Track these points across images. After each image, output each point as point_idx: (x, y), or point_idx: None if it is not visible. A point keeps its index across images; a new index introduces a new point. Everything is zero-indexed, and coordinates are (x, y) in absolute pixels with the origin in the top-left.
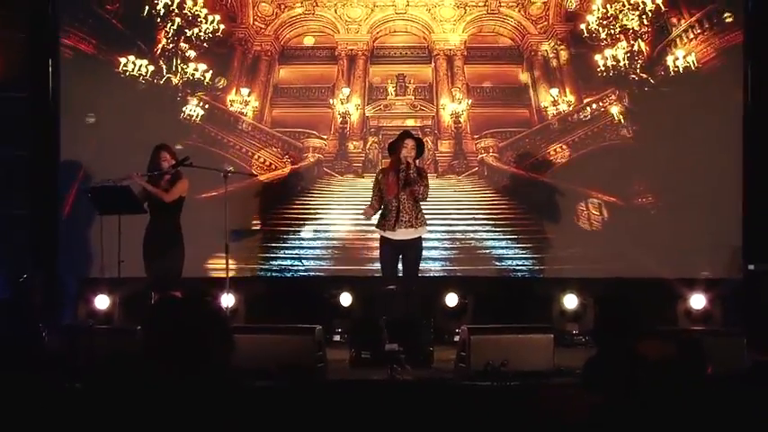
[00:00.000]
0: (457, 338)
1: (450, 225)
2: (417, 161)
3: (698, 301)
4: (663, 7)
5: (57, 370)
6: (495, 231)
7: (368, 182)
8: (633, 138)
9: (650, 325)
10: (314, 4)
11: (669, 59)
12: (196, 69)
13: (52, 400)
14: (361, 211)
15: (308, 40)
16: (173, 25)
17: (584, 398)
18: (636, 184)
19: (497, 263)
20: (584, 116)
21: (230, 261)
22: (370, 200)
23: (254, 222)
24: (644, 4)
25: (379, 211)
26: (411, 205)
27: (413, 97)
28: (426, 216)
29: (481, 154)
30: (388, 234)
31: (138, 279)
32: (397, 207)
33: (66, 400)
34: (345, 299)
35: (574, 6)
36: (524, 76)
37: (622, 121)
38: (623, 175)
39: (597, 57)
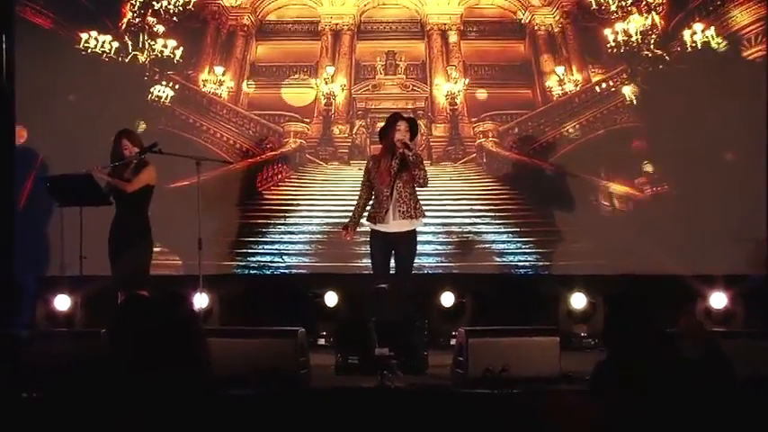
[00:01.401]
0: (453, 342)
1: (447, 217)
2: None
3: (718, 299)
4: None
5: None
6: (496, 224)
7: (354, 170)
8: (646, 120)
9: (666, 326)
10: None
11: (686, 34)
12: (165, 46)
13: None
14: (348, 215)
15: (289, 13)
16: None
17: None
18: (650, 171)
19: (498, 258)
20: (593, 97)
21: (203, 257)
22: (359, 192)
23: (230, 214)
24: None
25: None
26: (408, 194)
27: (404, 76)
28: None
29: (480, 139)
30: (380, 227)
31: (103, 277)
32: (391, 196)
33: (19, 412)
34: (331, 298)
35: None
36: (527, 53)
37: (634, 101)
38: (636, 161)
39: (607, 31)
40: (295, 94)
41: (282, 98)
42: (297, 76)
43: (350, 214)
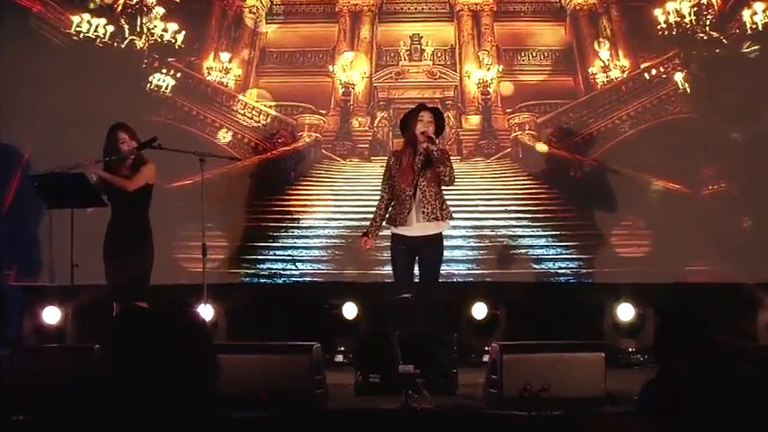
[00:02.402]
0: (486, 358)
1: (478, 219)
2: (438, 140)
3: None
4: None
5: None
6: (533, 226)
7: (376, 167)
8: (701, 111)
9: (723, 340)
10: None
11: (746, 14)
12: (165, 30)
13: None
14: (369, 216)
15: None
16: None
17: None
18: (705, 168)
19: (535, 265)
20: (642, 85)
21: (208, 264)
22: (380, 192)
23: (237, 217)
24: None
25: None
26: (434, 193)
27: (431, 63)
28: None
29: (515, 132)
30: (403, 230)
31: (96, 287)
32: (414, 196)
33: None
34: (349, 310)
35: None
36: (568, 36)
37: (688, 90)
38: (690, 157)
39: (657, 11)
40: (310, 83)
41: (296, 87)
42: (312, 62)
43: (370, 217)
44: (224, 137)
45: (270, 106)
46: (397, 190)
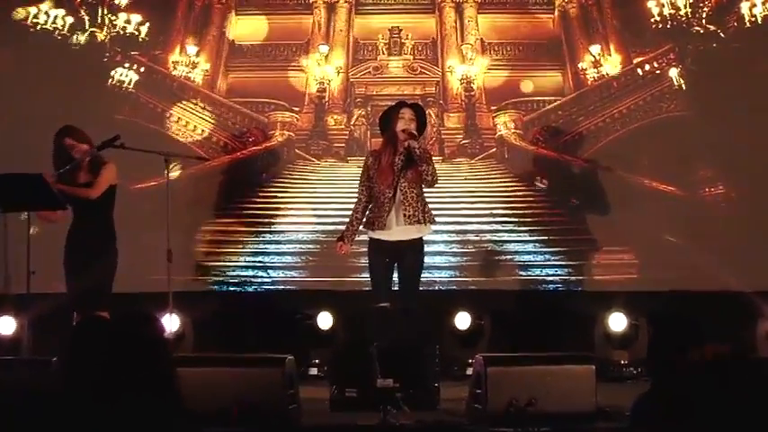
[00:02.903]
0: (470, 371)
1: (461, 223)
2: (419, 139)
3: None
4: None
5: None
6: (519, 231)
7: (353, 168)
8: (697, 108)
9: (720, 351)
10: None
11: (744, 6)
12: (128, 21)
13: None
14: (343, 229)
15: None
16: None
17: None
18: (701, 169)
19: (522, 272)
20: (634, 81)
21: (174, 271)
22: (357, 194)
23: (206, 220)
24: None
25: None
26: (415, 195)
27: (411, 57)
28: None
29: (500, 131)
30: (381, 234)
31: (54, 295)
32: (394, 198)
33: None
34: (325, 320)
35: None
36: (556, 29)
37: (683, 86)
38: (685, 157)
39: (651, 3)
40: (282, 79)
41: (267, 83)
42: (284, 56)
43: (346, 221)
44: (191, 135)
45: (240, 103)
46: (375, 192)
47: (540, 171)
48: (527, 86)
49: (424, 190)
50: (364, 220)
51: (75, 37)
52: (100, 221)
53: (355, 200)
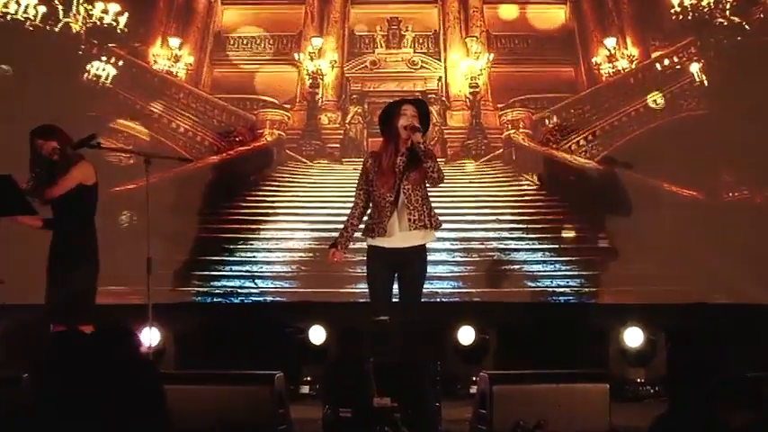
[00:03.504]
0: (474, 389)
1: (465, 230)
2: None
3: None
4: None
5: None
6: (528, 239)
7: (348, 170)
8: (720, 106)
9: (743, 369)
10: None
11: None
12: (105, 11)
13: None
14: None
15: None
16: None
17: None
18: (725, 172)
19: (530, 283)
20: (653, 76)
21: (154, 281)
22: (354, 198)
23: (188, 227)
24: None
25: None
26: (420, 198)
27: (411, 51)
28: None
29: (508, 130)
30: (381, 241)
31: (24, 307)
32: (396, 202)
33: None
34: (317, 334)
35: None
36: (569, 21)
37: (705, 82)
38: (707, 160)
39: None
40: (272, 74)
41: (256, 78)
42: (274, 49)
43: (343, 220)
44: (173, 134)
45: (226, 100)
46: (375, 196)
47: (552, 171)
48: (536, 82)
49: (429, 192)
50: (362, 226)
51: (48, 28)
52: (74, 225)
53: (351, 204)
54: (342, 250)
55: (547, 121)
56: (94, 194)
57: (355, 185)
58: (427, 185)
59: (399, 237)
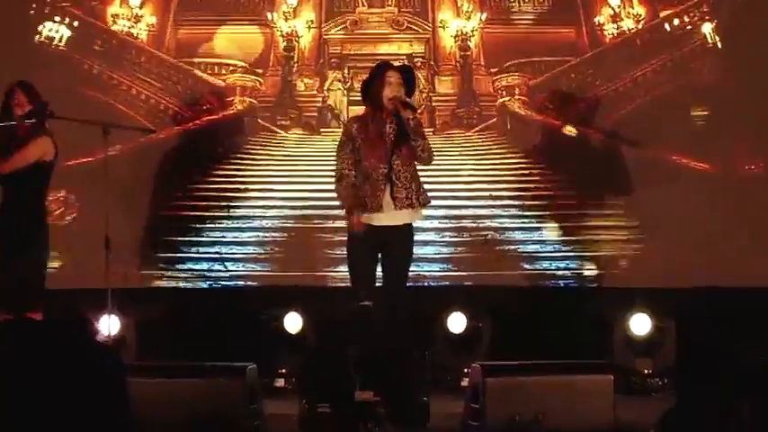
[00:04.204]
0: (465, 382)
1: (455, 207)
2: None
3: None
4: None
5: None
6: (525, 216)
7: (327, 141)
8: (734, 71)
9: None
10: None
11: None
12: None
13: None
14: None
15: None
16: None
17: None
18: (738, 143)
19: (527, 265)
20: (661, 38)
21: (113, 263)
22: (336, 169)
23: (151, 203)
24: None
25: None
26: (409, 174)
27: (395, 10)
28: None
29: (503, 97)
30: (367, 219)
31: None
32: (387, 176)
33: None
34: (293, 322)
35: None
36: None
37: (719, 44)
38: (721, 129)
39: None
40: (242, 35)
41: (225, 41)
42: (245, 8)
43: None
44: (134, 102)
45: (192, 64)
46: (365, 167)
47: (550, 142)
48: (534, 44)
49: (418, 168)
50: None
51: None
52: (24, 204)
53: (336, 175)
54: (359, 215)
55: (545, 86)
56: (50, 171)
57: (337, 153)
58: (416, 163)
59: (386, 214)
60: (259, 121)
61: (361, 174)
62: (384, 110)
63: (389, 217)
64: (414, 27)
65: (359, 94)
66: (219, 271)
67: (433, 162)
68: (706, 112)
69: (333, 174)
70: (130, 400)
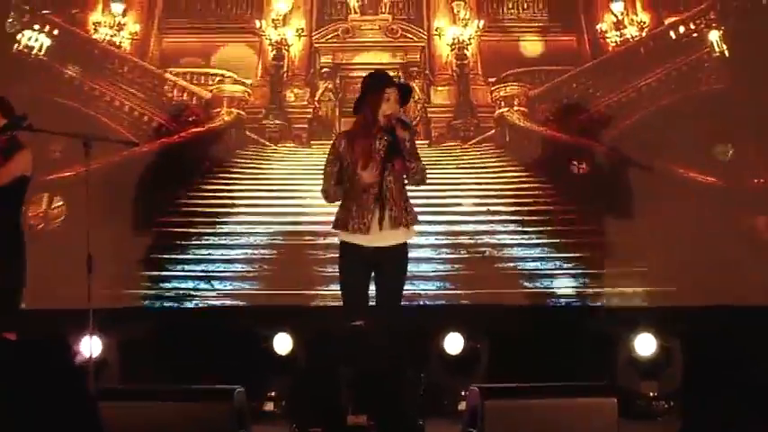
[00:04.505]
0: (463, 405)
1: (452, 223)
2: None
3: None
4: None
5: None
6: (524, 233)
7: (318, 154)
8: (742, 80)
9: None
10: None
11: None
12: None
13: None
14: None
15: None
16: None
17: None
18: (746, 155)
19: (527, 283)
20: (666, 46)
21: (96, 282)
22: (323, 183)
23: (135, 220)
24: None
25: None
26: (399, 191)
27: (389, 17)
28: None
29: (501, 108)
30: (359, 239)
31: None
32: (379, 196)
33: None
34: (282, 342)
35: None
36: None
37: (726, 53)
38: (728, 140)
39: None
40: (229, 44)
41: (211, 50)
42: (233, 15)
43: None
44: (116, 114)
45: (177, 74)
46: (351, 186)
47: (551, 157)
48: (534, 53)
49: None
50: (336, 217)
51: None
52: (4, 221)
53: (323, 195)
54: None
55: (545, 97)
56: (28, 185)
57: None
58: (405, 182)
59: (379, 235)
60: (247, 133)
61: (349, 192)
62: (376, 125)
63: (384, 237)
64: (408, 35)
65: (351, 105)
66: (206, 290)
67: (429, 176)
68: (713, 124)
69: (321, 192)
70: (101, 427)
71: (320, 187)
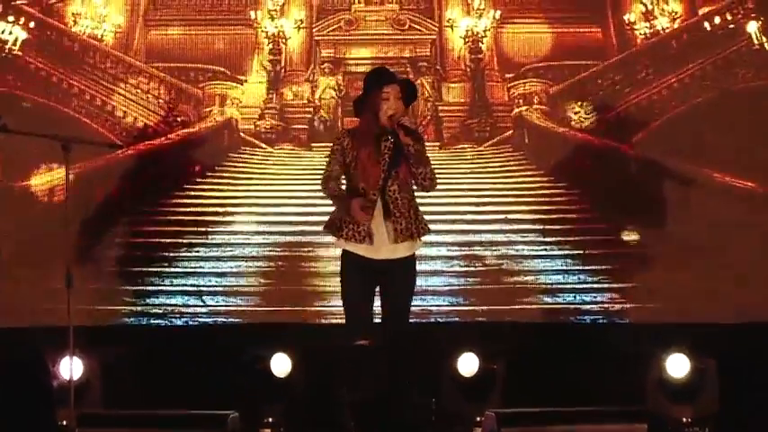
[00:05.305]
0: (478, 431)
1: (465, 232)
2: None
3: None
4: None
5: None
6: (544, 243)
7: (318, 157)
8: None
9: None
10: None
11: None
12: None
13: None
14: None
15: None
16: None
17: None
18: None
19: (547, 298)
20: (700, 38)
21: (76, 299)
22: (323, 179)
23: (118, 229)
24: None
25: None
26: (407, 200)
27: (397, 8)
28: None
29: (519, 107)
30: (364, 251)
31: None
32: (383, 204)
33: None
34: (280, 363)
35: None
36: None
37: (766, 45)
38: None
39: None
40: (223, 37)
41: (202, 43)
42: (225, 6)
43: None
44: (98, 114)
45: (165, 70)
46: (354, 187)
47: (574, 160)
48: (555, 46)
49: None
50: (339, 226)
51: None
52: None
53: (322, 182)
54: (369, 211)
55: (568, 94)
56: None
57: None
58: (414, 188)
59: (384, 248)
60: (241, 134)
61: (350, 194)
62: (378, 127)
63: (389, 250)
64: (418, 27)
65: (354, 109)
66: (196, 306)
67: (441, 180)
68: (752, 123)
69: (319, 184)
70: None
71: (321, 194)
